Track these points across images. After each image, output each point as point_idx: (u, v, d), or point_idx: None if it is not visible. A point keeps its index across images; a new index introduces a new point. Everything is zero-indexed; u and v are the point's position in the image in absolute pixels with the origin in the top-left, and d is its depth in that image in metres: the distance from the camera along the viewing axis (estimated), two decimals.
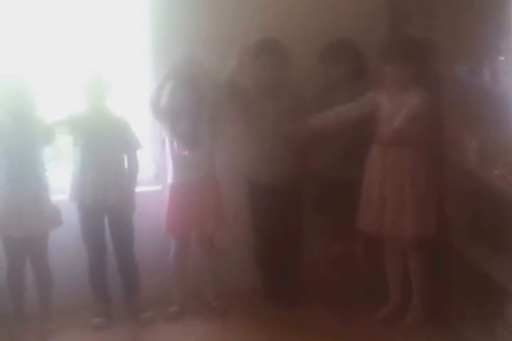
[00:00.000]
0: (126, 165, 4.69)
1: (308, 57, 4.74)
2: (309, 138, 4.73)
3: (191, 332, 4.69)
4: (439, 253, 4.50)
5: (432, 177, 4.41)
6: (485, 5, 3.83)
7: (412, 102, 4.27)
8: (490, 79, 3.78)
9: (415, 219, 4.38)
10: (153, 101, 4.65)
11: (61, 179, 4.76)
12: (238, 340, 4.57)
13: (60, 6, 4.82)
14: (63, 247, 4.72)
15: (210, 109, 4.71)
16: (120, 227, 4.72)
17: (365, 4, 4.88)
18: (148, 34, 4.91)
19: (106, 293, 4.82)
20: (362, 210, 4.54)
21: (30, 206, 4.46)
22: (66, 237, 4.68)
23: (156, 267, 4.84)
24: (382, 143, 4.44)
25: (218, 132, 4.77)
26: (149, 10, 4.86)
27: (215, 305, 4.91)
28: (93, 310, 4.80)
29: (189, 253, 4.88)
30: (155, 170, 5.05)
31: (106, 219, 4.72)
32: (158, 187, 4.97)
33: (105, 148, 4.60)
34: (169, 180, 4.76)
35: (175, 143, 4.69)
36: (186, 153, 4.66)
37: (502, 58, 3.70)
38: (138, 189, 4.76)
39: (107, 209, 4.67)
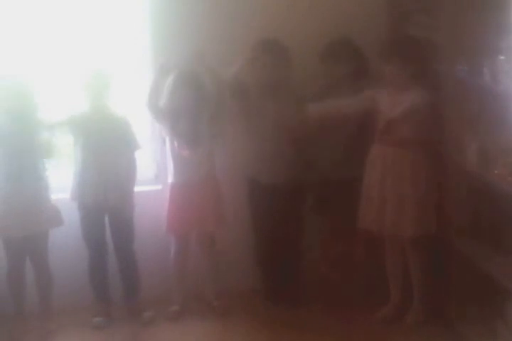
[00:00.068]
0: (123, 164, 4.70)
1: (309, 57, 4.74)
2: (309, 136, 4.74)
3: (191, 331, 4.70)
4: (439, 253, 4.49)
5: (431, 177, 4.40)
6: (485, 4, 3.83)
7: (411, 100, 4.27)
8: (490, 79, 3.79)
9: (415, 219, 4.38)
10: (151, 101, 4.66)
11: (61, 178, 4.77)
12: (238, 340, 4.57)
13: (60, 6, 4.82)
14: (63, 247, 4.72)
15: (211, 108, 4.71)
16: (120, 227, 4.72)
17: (365, 4, 4.90)
18: (148, 34, 4.91)
19: (106, 293, 4.82)
20: (362, 210, 4.55)
21: (30, 206, 4.46)
22: (66, 237, 4.69)
23: (157, 267, 4.85)
24: (382, 143, 4.44)
25: (218, 132, 4.77)
26: (149, 10, 4.86)
27: (215, 305, 4.91)
28: (93, 309, 4.80)
29: (189, 253, 4.89)
30: (155, 169, 5.07)
31: (106, 219, 4.72)
32: (159, 187, 4.98)
33: (105, 148, 4.60)
34: (169, 179, 4.76)
35: (175, 143, 4.69)
36: (186, 152, 4.66)
37: (502, 58, 3.71)
38: (138, 188, 4.78)
39: (107, 209, 4.67)
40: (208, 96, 4.71)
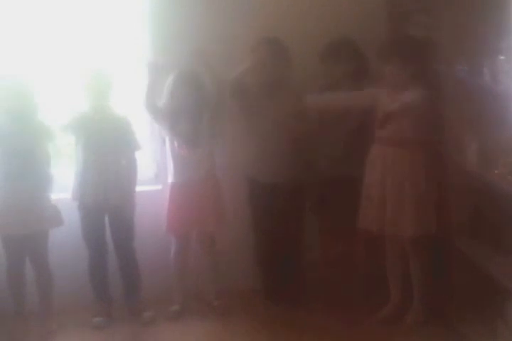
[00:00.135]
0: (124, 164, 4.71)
1: (309, 57, 4.74)
2: (309, 134, 4.75)
3: (192, 331, 4.69)
4: (439, 253, 4.50)
5: (431, 177, 4.40)
6: (485, 4, 3.84)
7: (411, 97, 4.28)
8: (490, 79, 3.79)
9: (415, 219, 4.37)
10: (148, 102, 4.66)
11: (62, 178, 4.76)
12: (238, 340, 4.55)
13: (61, 6, 4.82)
14: (63, 247, 4.72)
15: (210, 108, 4.72)
16: (120, 226, 4.72)
17: (365, 3, 4.90)
18: (148, 34, 4.91)
19: (106, 293, 4.82)
20: (362, 210, 4.54)
21: (30, 205, 4.46)
22: (66, 236, 4.69)
23: (157, 267, 4.84)
24: (382, 142, 4.44)
25: (218, 132, 4.77)
26: (149, 10, 4.87)
27: (215, 305, 4.92)
28: (93, 309, 4.80)
29: (189, 253, 4.89)
30: (155, 169, 5.07)
31: (106, 219, 4.72)
32: (159, 187, 4.98)
33: (106, 148, 4.60)
34: (169, 179, 4.77)
35: (175, 143, 4.70)
36: (186, 152, 4.66)
37: (502, 57, 3.72)
38: (138, 188, 4.77)
39: (108, 209, 4.67)
40: (207, 96, 4.72)
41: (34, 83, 4.56)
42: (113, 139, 4.61)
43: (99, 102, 4.63)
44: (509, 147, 3.81)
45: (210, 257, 4.92)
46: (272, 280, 5.02)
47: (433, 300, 4.59)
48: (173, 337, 4.64)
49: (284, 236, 4.89)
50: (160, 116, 4.70)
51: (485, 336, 4.09)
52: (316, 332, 4.58)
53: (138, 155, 4.76)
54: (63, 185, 4.72)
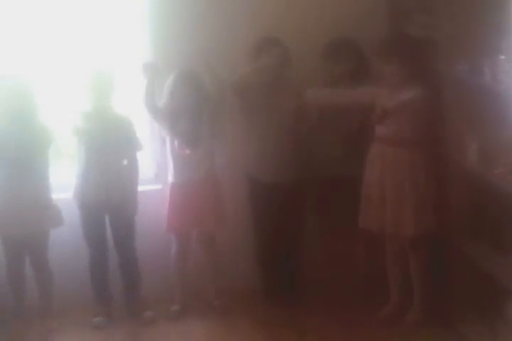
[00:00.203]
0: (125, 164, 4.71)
1: (309, 56, 4.75)
2: (309, 132, 4.76)
3: (192, 331, 4.70)
4: (439, 252, 4.50)
5: (431, 176, 4.41)
6: (485, 4, 3.84)
7: (409, 95, 4.29)
8: (490, 78, 3.79)
9: (415, 219, 4.38)
10: (148, 102, 4.67)
11: (62, 178, 4.78)
12: (239, 339, 4.56)
13: (61, 6, 4.82)
14: (64, 246, 4.71)
15: (210, 108, 4.72)
16: (121, 226, 4.72)
17: (365, 3, 4.90)
18: (148, 34, 4.91)
19: (107, 292, 4.82)
20: (362, 210, 4.55)
21: (31, 205, 4.46)
22: (67, 236, 4.69)
23: (157, 266, 4.85)
24: (382, 142, 4.44)
25: (218, 131, 4.77)
26: (149, 10, 4.87)
27: (215, 305, 4.92)
28: (93, 309, 4.80)
29: (190, 253, 4.89)
30: (155, 169, 5.07)
31: (107, 218, 4.72)
32: (159, 187, 4.98)
33: (108, 148, 4.60)
34: (169, 179, 4.77)
35: (175, 143, 4.69)
36: (186, 152, 4.66)
37: (503, 57, 3.71)
38: (139, 188, 4.77)
39: (109, 209, 4.67)
40: (207, 96, 4.72)
41: (34, 83, 4.56)
42: (115, 139, 4.61)
43: (100, 102, 4.63)
44: (509, 147, 3.81)
45: (210, 257, 4.92)
46: (271, 280, 5.02)
47: (433, 300, 4.59)
48: (173, 337, 4.65)
49: (284, 235, 4.89)
50: (160, 116, 4.70)
51: (485, 336, 4.09)
52: (316, 332, 4.59)
53: (138, 155, 4.76)
54: (63, 184, 4.73)
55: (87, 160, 4.61)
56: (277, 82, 4.75)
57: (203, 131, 4.70)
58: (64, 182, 4.74)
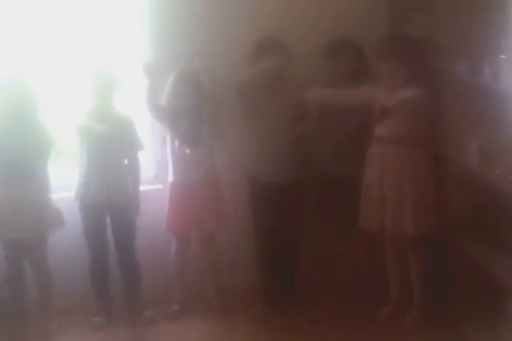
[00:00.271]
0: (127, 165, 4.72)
1: (309, 56, 4.76)
2: (309, 133, 4.76)
3: (192, 331, 4.70)
4: (439, 252, 4.50)
5: (431, 176, 4.41)
6: (485, 3, 3.84)
7: (407, 94, 4.29)
8: (491, 78, 3.79)
9: (415, 219, 4.38)
10: (150, 102, 4.66)
11: (62, 178, 4.78)
12: (238, 339, 4.56)
13: (61, 6, 4.82)
14: (64, 246, 4.70)
15: (210, 108, 4.72)
16: (122, 225, 4.72)
17: (365, 3, 4.91)
18: (148, 34, 4.91)
19: (107, 292, 4.82)
20: (362, 209, 4.55)
21: (31, 208, 4.44)
22: (67, 236, 4.67)
23: (157, 266, 4.84)
24: (381, 141, 4.45)
25: (218, 131, 4.77)
26: (149, 10, 4.86)
27: (215, 304, 4.91)
28: (93, 309, 4.79)
29: (189, 252, 4.89)
30: (155, 169, 5.06)
31: (108, 218, 4.72)
32: (159, 186, 4.97)
33: (110, 148, 4.60)
34: (169, 178, 4.76)
35: (175, 142, 4.69)
36: (187, 152, 4.66)
37: (503, 56, 3.71)
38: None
39: (110, 209, 4.68)
40: (207, 96, 4.72)
41: (34, 84, 4.54)
42: (117, 139, 4.61)
43: (102, 101, 4.63)
44: (510, 147, 3.81)
45: (210, 257, 4.92)
46: (271, 279, 5.01)
47: (433, 300, 4.59)
48: (173, 337, 4.64)
49: (284, 235, 4.89)
50: (161, 115, 4.70)
51: (485, 336, 4.08)
52: (316, 331, 4.59)
53: (139, 154, 4.76)
54: (64, 185, 4.73)
55: (89, 160, 4.60)
56: (277, 82, 4.74)
57: (203, 131, 4.70)
58: (64, 182, 4.75)
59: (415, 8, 4.60)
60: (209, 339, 4.68)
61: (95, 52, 4.87)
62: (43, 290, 4.69)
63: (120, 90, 4.68)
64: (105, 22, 4.90)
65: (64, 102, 4.89)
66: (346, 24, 4.78)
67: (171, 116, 4.67)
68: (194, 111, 4.68)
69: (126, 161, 4.70)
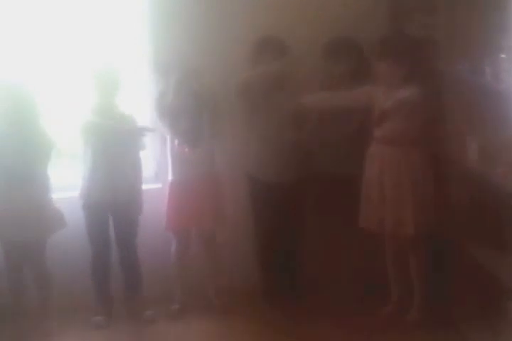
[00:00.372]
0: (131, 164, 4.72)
1: (310, 56, 4.76)
2: (309, 133, 4.77)
3: (192, 330, 4.71)
4: (439, 252, 4.50)
5: (431, 176, 4.41)
6: (486, 3, 3.84)
7: (404, 94, 4.29)
8: (491, 78, 3.79)
9: (415, 218, 4.39)
10: (160, 103, 4.69)
11: (63, 178, 4.79)
12: (239, 338, 4.56)
13: (60, 7, 4.83)
14: (64, 246, 4.69)
15: (210, 108, 4.73)
16: (125, 225, 4.73)
17: (366, 2, 4.92)
18: (148, 34, 4.92)
19: (108, 291, 4.82)
20: (362, 209, 4.55)
21: (32, 211, 4.42)
22: (67, 236, 4.66)
23: (157, 265, 4.85)
24: (380, 141, 4.46)
25: (219, 131, 4.78)
26: (149, 10, 4.87)
27: (216, 303, 4.92)
28: (94, 309, 4.80)
29: (190, 251, 4.89)
30: (155, 168, 5.07)
31: (111, 217, 4.73)
32: (159, 185, 4.98)
33: (114, 148, 4.60)
34: (169, 178, 4.77)
35: (176, 142, 4.69)
36: (187, 151, 4.66)
37: (503, 56, 3.71)
38: None
39: (114, 208, 4.68)
40: (208, 96, 4.73)
41: (34, 85, 4.55)
42: (121, 139, 4.62)
43: (106, 100, 4.64)
44: (510, 146, 3.80)
45: (210, 256, 4.93)
46: (271, 279, 5.02)
47: (433, 300, 4.59)
48: (173, 336, 4.66)
49: (284, 235, 4.90)
50: (161, 115, 4.71)
51: (486, 336, 4.08)
52: (316, 331, 4.59)
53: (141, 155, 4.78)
54: (64, 185, 4.74)
55: (94, 158, 4.61)
56: (277, 83, 4.75)
57: (203, 131, 4.71)
58: (64, 182, 4.76)
59: (415, 7, 4.61)
60: (209, 338, 4.67)
61: (95, 52, 4.87)
62: (42, 291, 4.69)
63: (123, 89, 4.68)
64: (105, 22, 4.91)
65: (64, 103, 4.90)
66: (346, 24, 4.79)
67: (172, 115, 4.67)
68: (194, 111, 4.69)
69: (130, 161, 4.70)
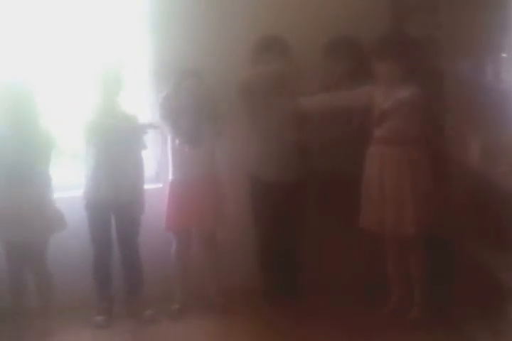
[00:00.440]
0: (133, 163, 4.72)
1: (309, 56, 4.76)
2: (310, 133, 4.77)
3: (193, 329, 4.70)
4: (440, 252, 4.50)
5: (430, 175, 4.41)
6: (487, 2, 3.84)
7: (404, 94, 4.29)
8: (492, 77, 3.79)
9: (416, 218, 4.38)
10: (160, 104, 4.69)
11: (63, 178, 4.78)
12: (239, 338, 4.56)
13: (60, 7, 4.83)
14: (65, 246, 4.69)
15: (211, 107, 4.73)
16: (126, 224, 4.73)
17: (367, 2, 4.91)
18: (149, 34, 4.92)
19: (108, 291, 4.82)
20: (362, 209, 4.55)
21: (32, 211, 4.42)
22: (68, 236, 4.65)
23: (158, 265, 4.84)
24: (380, 141, 4.46)
25: (219, 130, 4.77)
26: (149, 10, 4.88)
27: (216, 303, 4.91)
28: (94, 308, 4.79)
29: (190, 251, 4.89)
30: (156, 167, 5.06)
31: (113, 217, 4.73)
32: (160, 185, 4.97)
33: (116, 147, 4.60)
34: (170, 177, 4.77)
35: (176, 141, 4.69)
36: (187, 151, 4.66)
37: (504, 55, 3.71)
38: None
39: (116, 208, 4.68)
40: (208, 95, 4.72)
41: (35, 85, 4.54)
42: (123, 138, 4.63)
43: (108, 100, 4.65)
44: (511, 146, 3.81)
45: (210, 256, 4.92)
46: (272, 279, 5.02)
47: (434, 299, 4.58)
48: (173, 336, 4.65)
49: (284, 234, 4.90)
50: (163, 115, 4.71)
51: (486, 336, 4.08)
52: (317, 331, 4.58)
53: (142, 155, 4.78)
54: (64, 184, 4.73)
55: (96, 159, 4.61)
56: (278, 83, 4.74)
57: (204, 131, 4.70)
58: (65, 182, 4.76)
59: (417, 7, 4.62)
60: (209, 338, 4.66)
61: (96, 51, 4.87)
62: (43, 291, 4.69)
63: (125, 89, 4.68)
64: (105, 22, 4.91)
65: (66, 103, 4.90)
66: (347, 23, 4.78)
67: (173, 115, 4.67)
68: (194, 111, 4.68)
69: (133, 160, 4.70)
